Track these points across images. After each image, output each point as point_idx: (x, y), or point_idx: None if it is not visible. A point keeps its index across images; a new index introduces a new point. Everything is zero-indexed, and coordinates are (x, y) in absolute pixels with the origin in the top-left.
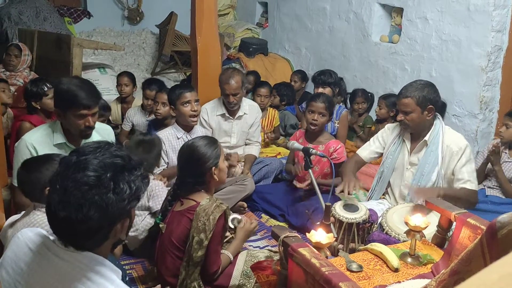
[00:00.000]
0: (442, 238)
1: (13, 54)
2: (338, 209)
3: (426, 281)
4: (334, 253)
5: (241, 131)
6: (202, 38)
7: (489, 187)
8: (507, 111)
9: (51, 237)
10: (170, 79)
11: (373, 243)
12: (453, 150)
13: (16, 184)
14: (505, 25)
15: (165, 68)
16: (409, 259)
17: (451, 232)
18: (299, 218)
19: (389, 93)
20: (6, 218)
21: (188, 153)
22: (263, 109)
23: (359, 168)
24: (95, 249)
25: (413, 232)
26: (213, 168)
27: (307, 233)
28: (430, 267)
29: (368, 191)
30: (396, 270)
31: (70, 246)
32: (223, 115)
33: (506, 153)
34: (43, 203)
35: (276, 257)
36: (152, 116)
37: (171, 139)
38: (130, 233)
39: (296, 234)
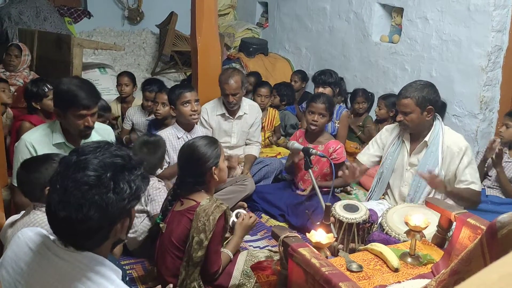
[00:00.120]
0: (442, 238)
1: (13, 54)
2: (338, 209)
3: (426, 281)
4: (334, 253)
5: (241, 131)
6: (202, 38)
7: (489, 187)
8: (507, 111)
9: (51, 237)
10: (170, 79)
11: (373, 243)
12: (453, 151)
13: (16, 184)
14: (505, 25)
15: (165, 68)
16: (409, 259)
17: (451, 232)
18: (299, 218)
19: (389, 93)
20: (6, 218)
21: (188, 152)
22: (263, 109)
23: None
24: (95, 249)
25: (413, 232)
26: (213, 168)
27: (307, 233)
28: (430, 267)
29: (368, 191)
30: (396, 270)
31: (70, 246)
32: (223, 115)
33: (506, 153)
34: (43, 203)
35: (276, 257)
36: (152, 116)
37: (172, 139)
38: (129, 235)
39: (296, 234)
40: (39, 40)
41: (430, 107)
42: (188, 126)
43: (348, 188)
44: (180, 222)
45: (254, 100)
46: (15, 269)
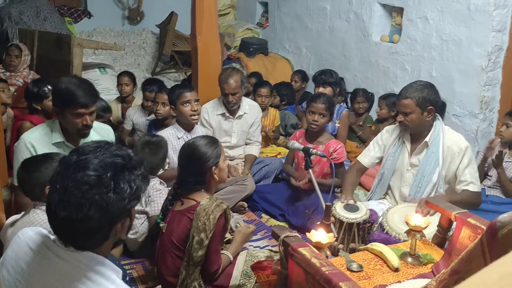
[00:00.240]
0: (442, 238)
1: (13, 54)
2: (338, 209)
3: (426, 281)
4: (335, 253)
5: (241, 131)
6: (202, 38)
7: (489, 187)
8: (508, 111)
9: (52, 237)
10: (171, 79)
11: (373, 243)
12: (454, 151)
13: (16, 184)
14: (506, 24)
15: (165, 68)
16: (410, 259)
17: (451, 232)
18: (299, 218)
19: (389, 93)
20: (7, 218)
21: (188, 152)
22: (263, 109)
23: (361, 176)
24: (96, 249)
25: (413, 231)
26: (214, 167)
27: (307, 233)
28: (431, 266)
29: (368, 191)
30: (396, 270)
31: (70, 245)
32: (223, 115)
33: (506, 153)
34: (43, 202)
35: (276, 257)
36: (152, 116)
37: (172, 139)
38: (129, 236)
39: (296, 234)
40: (39, 40)
41: (430, 107)
42: (188, 126)
43: None
44: (180, 221)
45: (254, 100)
46: (16, 268)
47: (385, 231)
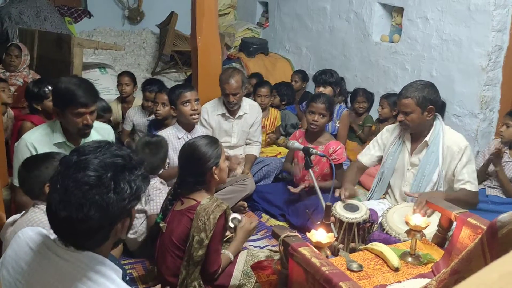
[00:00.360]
0: (442, 238)
1: (13, 54)
2: (338, 208)
3: (426, 281)
4: (335, 252)
5: (241, 131)
6: (202, 37)
7: (489, 187)
8: (508, 111)
9: (52, 236)
10: (171, 78)
11: (373, 243)
12: (454, 150)
13: (16, 184)
14: (506, 24)
15: (165, 68)
16: (410, 259)
17: (451, 232)
18: (299, 218)
19: (390, 93)
20: (7, 218)
21: (189, 152)
22: (263, 109)
23: (361, 174)
24: (96, 249)
25: (413, 231)
26: (214, 167)
27: (307, 233)
28: (431, 266)
29: (368, 191)
30: (396, 269)
31: (70, 245)
32: (223, 115)
33: (506, 153)
34: (42, 201)
35: (277, 257)
36: (152, 116)
37: (172, 139)
38: (129, 236)
39: (297, 234)
40: (40, 40)
41: (430, 107)
42: (188, 126)
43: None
44: (180, 221)
45: (254, 100)
46: (16, 268)
47: (385, 231)
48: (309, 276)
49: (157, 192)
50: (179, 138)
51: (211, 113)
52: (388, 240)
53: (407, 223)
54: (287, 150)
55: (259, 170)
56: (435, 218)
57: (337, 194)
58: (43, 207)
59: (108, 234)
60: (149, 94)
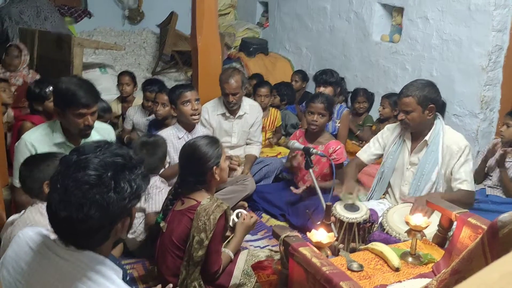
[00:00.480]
0: (443, 238)
1: (13, 54)
2: (338, 208)
3: (427, 281)
4: (335, 252)
5: (241, 131)
6: (202, 37)
7: (489, 187)
8: (508, 111)
9: (52, 236)
10: (171, 78)
11: (373, 243)
12: (453, 150)
13: (16, 184)
14: (506, 24)
15: (165, 67)
16: (410, 259)
17: (452, 232)
18: (299, 218)
19: (391, 92)
20: (7, 218)
21: (189, 152)
22: (264, 109)
23: (360, 171)
24: (96, 249)
25: (413, 231)
26: (214, 167)
27: (307, 233)
28: (431, 266)
29: (368, 191)
30: (396, 269)
31: (70, 245)
32: (223, 115)
33: (508, 152)
34: (41, 200)
35: (277, 257)
36: (153, 116)
37: (172, 139)
38: (128, 235)
39: (297, 234)
40: (40, 40)
41: (431, 105)
42: (189, 126)
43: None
44: (180, 221)
45: (254, 100)
46: (16, 268)
47: (385, 231)
48: (309, 276)
49: (156, 191)
50: (179, 138)
51: (211, 113)
52: (389, 240)
53: (407, 223)
54: (287, 150)
55: (259, 170)
56: (435, 218)
57: (337, 192)
58: (40, 206)
59: (108, 233)
60: (150, 94)
